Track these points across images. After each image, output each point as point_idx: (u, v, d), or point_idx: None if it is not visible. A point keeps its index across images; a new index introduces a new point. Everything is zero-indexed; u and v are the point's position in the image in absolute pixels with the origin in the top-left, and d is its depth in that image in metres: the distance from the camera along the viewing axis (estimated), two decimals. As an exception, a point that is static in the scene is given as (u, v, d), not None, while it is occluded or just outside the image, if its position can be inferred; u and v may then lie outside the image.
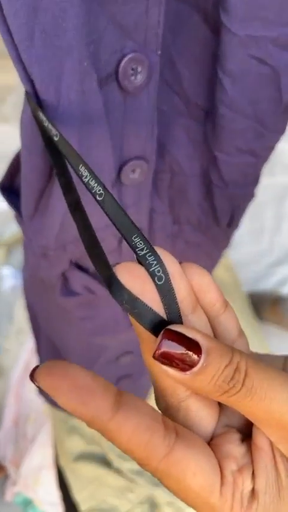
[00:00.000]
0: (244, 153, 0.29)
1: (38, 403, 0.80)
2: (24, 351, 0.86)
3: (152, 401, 0.17)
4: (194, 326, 0.16)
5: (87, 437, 0.76)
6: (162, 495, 0.72)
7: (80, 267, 0.33)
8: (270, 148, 0.30)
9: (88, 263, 0.33)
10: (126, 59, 0.22)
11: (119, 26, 0.21)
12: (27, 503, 0.79)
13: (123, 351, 0.48)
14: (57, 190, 0.25)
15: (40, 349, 0.54)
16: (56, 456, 0.76)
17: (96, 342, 0.40)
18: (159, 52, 0.22)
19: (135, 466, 0.73)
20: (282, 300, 1.01)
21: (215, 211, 0.34)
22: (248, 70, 0.23)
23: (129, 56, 0.22)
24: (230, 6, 0.21)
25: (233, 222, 0.35)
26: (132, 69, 0.22)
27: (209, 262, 0.42)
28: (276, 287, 1.07)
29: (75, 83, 0.21)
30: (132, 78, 0.22)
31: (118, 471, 0.73)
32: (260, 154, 0.29)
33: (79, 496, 0.73)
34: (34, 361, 0.85)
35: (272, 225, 1.10)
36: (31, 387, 0.82)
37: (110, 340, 0.40)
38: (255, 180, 0.32)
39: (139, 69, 0.22)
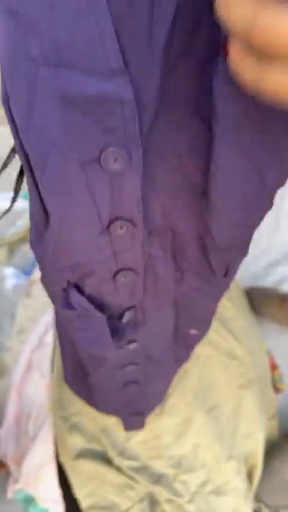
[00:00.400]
0: (234, 225, 0.34)
1: (39, 400, 0.81)
2: (26, 350, 0.87)
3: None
4: None
5: (88, 435, 0.76)
6: (162, 493, 0.73)
7: (78, 287, 0.38)
8: (259, 219, 0.34)
9: (84, 286, 0.38)
10: (107, 150, 0.26)
11: (101, 128, 0.25)
12: (29, 500, 0.80)
13: (128, 362, 0.51)
14: (49, 228, 0.31)
15: (64, 351, 0.58)
16: (57, 454, 0.77)
17: (93, 352, 0.43)
18: (140, 151, 0.27)
19: (135, 464, 0.74)
20: (283, 295, 1.01)
21: (211, 266, 0.39)
22: (237, 166, 0.28)
23: (111, 149, 0.26)
24: (219, 119, 0.26)
25: (228, 274, 0.40)
26: (114, 158, 0.27)
27: (211, 301, 0.47)
28: (276, 284, 1.08)
29: (59, 161, 0.26)
30: (113, 164, 0.27)
31: (118, 469, 0.74)
32: (249, 225, 0.34)
33: (80, 493, 0.73)
34: (35, 360, 0.86)
35: (271, 226, 1.10)
36: (33, 385, 0.83)
37: (104, 353, 0.43)
38: (246, 243, 0.37)
39: (119, 158, 0.27)
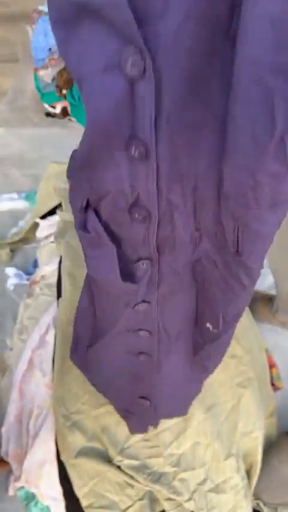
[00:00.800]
0: (242, 169, 0.33)
1: (40, 399, 0.82)
2: (27, 349, 0.88)
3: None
4: None
5: (88, 434, 0.77)
6: (161, 491, 0.73)
7: (96, 212, 0.41)
8: (269, 176, 0.33)
9: (100, 210, 0.41)
10: (126, 55, 0.30)
11: (119, 36, 0.29)
12: (30, 498, 0.81)
13: (141, 326, 0.51)
14: (82, 140, 0.37)
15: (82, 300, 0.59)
16: (58, 452, 0.77)
17: (101, 283, 0.45)
18: (150, 64, 0.30)
19: (135, 463, 0.75)
20: (272, 298, 1.03)
21: (223, 228, 0.39)
22: (252, 99, 0.29)
23: (129, 54, 0.30)
24: (241, 41, 0.27)
25: (239, 249, 0.39)
26: (131, 62, 0.30)
27: (227, 293, 0.45)
28: (270, 288, 1.09)
29: (87, 67, 0.32)
30: (131, 68, 0.31)
31: (118, 468, 0.75)
32: (257, 178, 0.33)
33: (80, 492, 0.74)
34: (36, 359, 0.86)
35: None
36: (34, 383, 0.84)
37: (111, 282, 0.44)
38: (256, 206, 0.36)
39: (136, 63, 0.30)
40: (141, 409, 0.66)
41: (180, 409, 0.71)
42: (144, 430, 0.72)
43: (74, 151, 0.40)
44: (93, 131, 0.35)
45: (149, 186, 0.37)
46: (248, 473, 0.79)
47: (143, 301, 0.47)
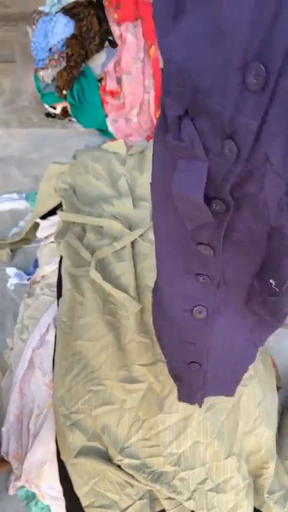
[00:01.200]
0: None
1: (40, 398, 0.82)
2: (28, 348, 0.88)
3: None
4: None
5: (88, 433, 0.77)
6: (161, 491, 0.73)
7: (193, 122, 0.38)
8: None
9: (198, 123, 0.37)
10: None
11: None
12: (31, 497, 0.81)
13: (201, 270, 0.49)
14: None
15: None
16: (58, 451, 0.77)
17: (184, 196, 0.42)
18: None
19: (135, 462, 0.75)
20: None
21: None
22: None
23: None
24: None
25: None
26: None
27: None
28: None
29: None
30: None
31: (119, 467, 0.75)
32: None
33: (80, 491, 0.74)
34: (37, 358, 0.87)
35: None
36: (34, 383, 0.84)
37: (194, 201, 0.42)
38: None
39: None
40: (190, 375, 0.63)
41: (228, 385, 0.68)
42: (190, 399, 0.69)
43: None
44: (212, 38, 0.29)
45: (251, 124, 0.33)
46: (257, 472, 0.79)
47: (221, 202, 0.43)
